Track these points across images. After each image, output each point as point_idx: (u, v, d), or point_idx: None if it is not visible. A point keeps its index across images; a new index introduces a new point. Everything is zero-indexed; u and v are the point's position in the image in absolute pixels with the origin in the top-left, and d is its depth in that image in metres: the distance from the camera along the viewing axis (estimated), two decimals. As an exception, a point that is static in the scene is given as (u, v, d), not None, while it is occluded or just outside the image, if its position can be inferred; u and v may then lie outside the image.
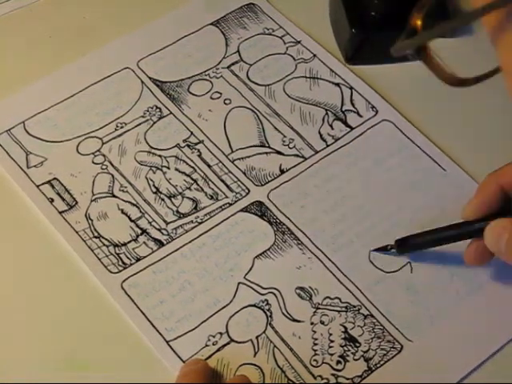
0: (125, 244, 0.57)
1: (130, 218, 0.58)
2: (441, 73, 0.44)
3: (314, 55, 0.68)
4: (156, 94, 0.65)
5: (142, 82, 0.65)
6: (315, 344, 0.53)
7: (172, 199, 0.59)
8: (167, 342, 0.53)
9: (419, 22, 0.44)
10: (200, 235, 0.58)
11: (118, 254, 0.56)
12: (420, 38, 0.44)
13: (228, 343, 0.53)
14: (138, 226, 0.58)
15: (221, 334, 0.54)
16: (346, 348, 0.53)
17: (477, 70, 0.45)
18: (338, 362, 0.53)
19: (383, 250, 0.57)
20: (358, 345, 0.54)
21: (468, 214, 0.53)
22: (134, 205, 0.59)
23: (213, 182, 0.60)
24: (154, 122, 0.63)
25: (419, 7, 0.44)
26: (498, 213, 0.52)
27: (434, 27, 0.41)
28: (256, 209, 0.59)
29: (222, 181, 0.61)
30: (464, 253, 0.54)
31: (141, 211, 0.59)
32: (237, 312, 0.55)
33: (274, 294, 0.55)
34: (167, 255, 0.57)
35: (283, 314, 0.55)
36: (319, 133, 0.64)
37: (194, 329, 0.54)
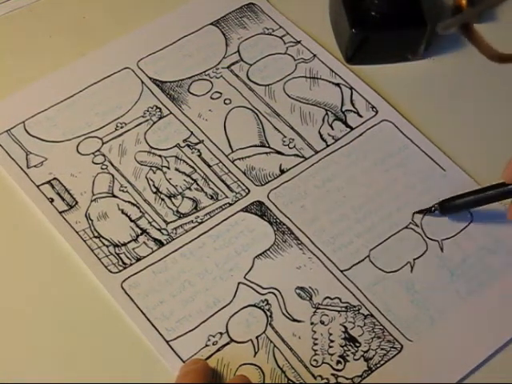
0: (125, 244, 0.57)
1: (130, 218, 0.58)
2: (485, 48, 0.45)
3: (314, 55, 0.68)
4: (156, 94, 0.65)
5: (142, 82, 0.65)
6: (315, 344, 0.53)
7: (172, 199, 0.59)
8: (167, 341, 0.53)
9: (464, 1, 0.45)
10: (200, 235, 0.58)
11: (118, 254, 0.56)
12: (465, 14, 0.44)
13: (228, 343, 0.53)
14: (138, 225, 0.58)
15: (221, 333, 0.54)
16: (346, 348, 0.53)
17: None
18: (338, 362, 0.53)
19: (428, 211, 0.58)
20: (358, 345, 0.54)
21: (509, 175, 0.53)
22: (134, 205, 0.59)
23: (213, 182, 0.60)
24: (154, 122, 0.63)
25: None
26: None
27: (477, 5, 0.42)
28: (256, 209, 0.59)
29: (222, 181, 0.61)
30: (507, 211, 0.55)
31: (141, 211, 0.59)
32: (237, 312, 0.55)
33: (274, 294, 0.55)
34: (167, 255, 0.57)
35: (283, 314, 0.55)
36: (319, 133, 0.64)
37: (194, 329, 0.54)
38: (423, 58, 0.68)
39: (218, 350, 0.53)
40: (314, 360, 0.53)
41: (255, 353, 0.53)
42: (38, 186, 0.59)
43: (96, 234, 0.57)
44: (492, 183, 0.56)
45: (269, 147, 0.63)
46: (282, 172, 0.61)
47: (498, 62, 0.45)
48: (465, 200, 0.57)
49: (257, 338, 0.54)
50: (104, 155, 0.61)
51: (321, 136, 0.63)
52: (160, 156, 0.62)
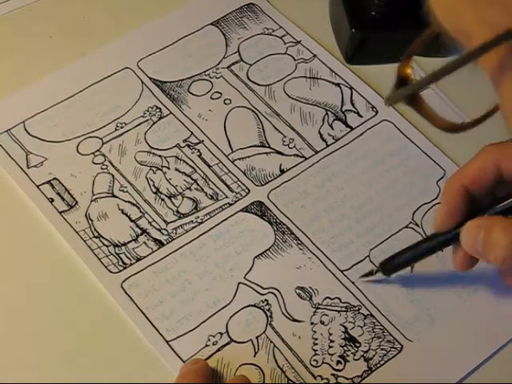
0: (125, 244, 0.57)
1: (130, 218, 0.58)
2: (435, 120, 0.44)
3: (314, 55, 0.68)
4: (156, 94, 0.65)
5: (142, 82, 0.65)
6: (315, 344, 0.53)
7: (172, 199, 0.59)
8: (167, 341, 0.53)
9: (409, 71, 0.44)
10: (200, 235, 0.58)
11: (118, 254, 0.56)
12: (411, 87, 0.43)
13: (228, 343, 0.53)
14: (138, 225, 0.58)
15: (221, 333, 0.54)
16: (346, 348, 0.53)
17: (471, 87, 0.45)
18: (338, 362, 0.53)
19: (369, 275, 0.56)
20: (358, 345, 0.54)
21: (440, 226, 0.51)
22: (134, 205, 0.59)
23: (213, 182, 0.60)
24: (154, 122, 0.63)
25: (407, 55, 0.44)
26: (470, 214, 0.50)
27: (425, 76, 0.41)
28: (256, 209, 0.59)
29: (222, 181, 0.61)
30: (452, 262, 0.53)
31: (141, 211, 0.59)
32: (237, 312, 0.55)
33: (274, 294, 0.55)
34: (167, 255, 0.57)
35: (283, 314, 0.55)
36: (319, 133, 0.64)
37: (194, 329, 0.54)
38: (423, 57, 0.68)
39: (218, 349, 0.53)
40: (314, 360, 0.53)
41: (255, 353, 0.53)
42: (37, 186, 0.59)
43: (96, 234, 0.57)
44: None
45: (269, 147, 0.63)
46: (282, 172, 0.61)
47: (452, 133, 0.45)
48: (404, 257, 0.54)
49: (257, 338, 0.54)
50: (104, 155, 0.61)
51: (321, 136, 0.63)
52: (160, 156, 0.62)
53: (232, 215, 0.59)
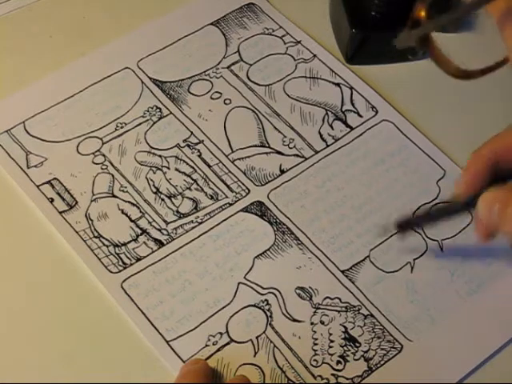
0: (125, 244, 0.57)
1: (130, 218, 0.58)
2: (446, 65, 0.43)
3: (314, 55, 0.68)
4: (156, 94, 0.65)
5: (142, 82, 0.65)
6: (315, 344, 0.53)
7: (172, 199, 0.59)
8: (167, 341, 0.53)
9: (423, 13, 0.43)
10: (200, 235, 0.58)
11: (118, 254, 0.56)
12: (424, 28, 0.43)
13: (228, 343, 0.53)
14: (138, 225, 0.58)
15: (221, 334, 0.54)
16: (346, 348, 0.53)
17: (481, 65, 0.44)
18: (338, 362, 0.53)
19: (386, 232, 0.57)
20: (358, 345, 0.54)
21: (460, 190, 0.51)
22: (134, 205, 0.59)
23: (213, 182, 0.60)
24: (154, 122, 0.63)
25: None
26: (491, 185, 0.50)
27: (438, 18, 0.41)
28: (256, 209, 0.59)
29: (222, 181, 0.61)
30: (475, 233, 0.53)
31: (141, 211, 0.59)
32: (237, 312, 0.55)
33: (274, 294, 0.55)
34: (167, 255, 0.57)
35: (283, 314, 0.55)
36: (319, 133, 0.64)
37: (194, 329, 0.54)
38: (423, 58, 0.68)
39: (218, 349, 0.53)
40: (314, 360, 0.53)
41: (255, 353, 0.53)
42: (37, 186, 0.59)
43: (96, 234, 0.57)
44: None
45: (269, 147, 0.63)
46: (282, 172, 0.61)
47: (461, 79, 0.44)
48: (421, 218, 0.56)
49: (257, 338, 0.54)
50: (104, 155, 0.61)
51: (321, 136, 0.63)
52: (160, 156, 0.62)
53: (232, 215, 0.59)
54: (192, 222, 0.58)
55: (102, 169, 0.61)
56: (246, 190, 0.60)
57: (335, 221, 0.59)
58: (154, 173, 0.61)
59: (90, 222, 0.58)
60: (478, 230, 0.52)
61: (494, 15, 0.39)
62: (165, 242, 0.57)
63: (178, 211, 0.59)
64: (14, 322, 0.54)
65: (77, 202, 0.59)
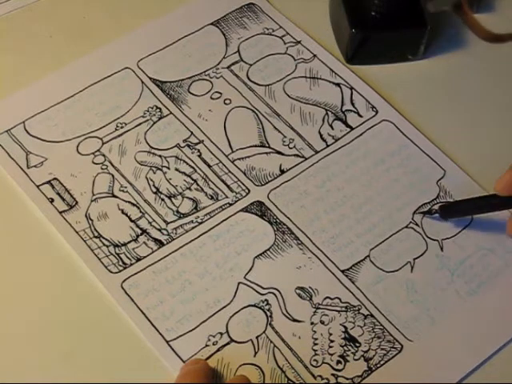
0: (125, 244, 0.57)
1: (130, 218, 0.58)
2: (477, 28, 0.44)
3: (314, 55, 0.68)
4: (156, 94, 0.65)
5: (142, 82, 0.66)
6: (315, 344, 0.53)
7: (172, 199, 0.59)
8: (167, 341, 0.53)
9: None
10: (200, 235, 0.58)
11: (118, 254, 0.56)
12: None
13: (228, 343, 0.53)
14: (138, 226, 0.58)
15: (221, 334, 0.54)
16: (346, 348, 0.53)
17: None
18: (338, 362, 0.53)
19: (428, 213, 0.58)
20: (358, 345, 0.54)
21: (499, 188, 0.53)
22: (134, 205, 0.59)
23: (213, 182, 0.60)
24: (154, 122, 0.63)
25: None
26: None
27: None
28: (256, 209, 0.59)
29: (222, 181, 0.61)
30: (507, 226, 0.55)
31: (141, 211, 0.59)
32: (237, 312, 0.55)
33: (274, 294, 0.55)
34: (167, 255, 0.57)
35: (283, 314, 0.55)
36: (319, 133, 0.64)
37: (194, 329, 0.54)
38: (423, 58, 0.68)
39: (218, 349, 0.53)
40: (314, 360, 0.53)
41: (255, 353, 0.53)
42: (38, 186, 0.59)
43: (96, 234, 0.57)
44: (491, 190, 0.56)
45: (269, 147, 0.63)
46: (282, 172, 0.61)
47: (492, 42, 0.45)
48: (465, 206, 0.58)
49: (257, 338, 0.54)
50: (104, 155, 0.61)
51: (321, 136, 0.63)
52: (160, 156, 0.62)
53: (232, 215, 0.59)
54: (192, 221, 0.58)
55: (102, 169, 0.61)
56: (246, 190, 0.60)
57: (335, 221, 0.59)
58: (154, 173, 0.61)
59: (90, 222, 0.58)
60: (509, 227, 0.52)
61: None
62: (165, 242, 0.57)
63: (177, 211, 0.59)
64: (14, 322, 0.54)
65: (77, 202, 0.59)
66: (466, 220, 0.59)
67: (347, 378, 0.52)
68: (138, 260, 0.56)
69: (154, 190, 0.60)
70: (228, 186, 0.60)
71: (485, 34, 0.44)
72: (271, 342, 0.53)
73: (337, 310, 0.55)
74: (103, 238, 0.57)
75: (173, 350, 0.53)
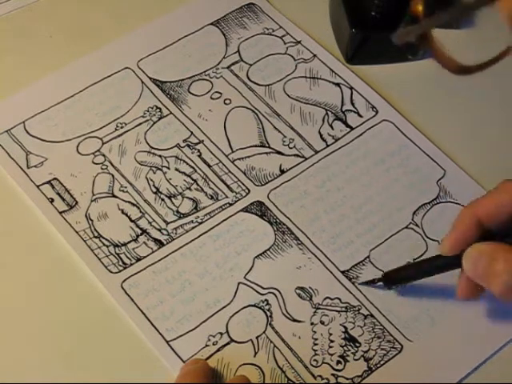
0: (125, 244, 0.57)
1: (130, 218, 0.58)
2: (444, 60, 0.43)
3: (314, 55, 0.68)
4: (156, 94, 0.65)
5: (142, 82, 0.65)
6: (315, 344, 0.53)
7: (172, 199, 0.59)
8: (167, 341, 0.53)
9: (420, 8, 0.43)
10: (200, 235, 0.58)
11: (118, 254, 0.56)
12: (423, 25, 0.42)
13: (228, 343, 0.53)
14: (138, 226, 0.58)
15: (221, 334, 0.54)
16: (346, 348, 0.53)
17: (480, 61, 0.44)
18: (338, 362, 0.53)
19: (371, 283, 0.55)
20: (358, 345, 0.54)
21: (446, 249, 0.51)
22: (134, 205, 0.59)
23: (213, 182, 0.60)
24: (154, 122, 0.63)
25: None
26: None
27: (437, 14, 0.40)
28: (256, 209, 0.59)
29: (222, 181, 0.61)
30: (456, 290, 0.53)
31: (141, 211, 0.59)
32: (237, 312, 0.55)
33: (274, 294, 0.55)
34: (167, 255, 0.57)
35: (283, 314, 0.55)
36: (319, 133, 0.64)
37: (194, 329, 0.54)
38: (423, 57, 0.68)
39: (218, 349, 0.53)
40: (314, 360, 0.53)
41: (255, 353, 0.53)
42: (38, 186, 0.59)
43: (96, 234, 0.57)
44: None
45: (269, 147, 0.63)
46: (282, 172, 0.61)
47: (459, 74, 0.44)
48: (407, 273, 0.55)
49: (257, 338, 0.54)
50: (104, 155, 0.61)
51: (321, 136, 0.63)
52: (160, 156, 0.62)
53: (232, 215, 0.59)
54: (192, 221, 0.58)
55: (102, 169, 0.61)
56: (246, 190, 0.60)
57: (335, 221, 0.59)
58: (154, 173, 0.61)
59: (90, 222, 0.58)
60: (460, 286, 0.51)
61: (502, 12, 0.39)
62: (165, 242, 0.57)
63: (177, 211, 0.59)
64: (14, 322, 0.54)
65: (77, 202, 0.59)
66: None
67: (347, 378, 0.52)
68: (138, 260, 0.56)
69: (154, 190, 0.60)
70: (228, 186, 0.60)
71: (452, 66, 0.44)
72: (271, 342, 0.53)
73: (337, 310, 0.55)
74: (103, 238, 0.57)
75: (173, 350, 0.53)
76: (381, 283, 0.55)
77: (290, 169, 0.61)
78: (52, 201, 0.59)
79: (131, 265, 0.56)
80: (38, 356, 0.52)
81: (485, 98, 0.67)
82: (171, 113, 0.64)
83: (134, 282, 0.55)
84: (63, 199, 0.59)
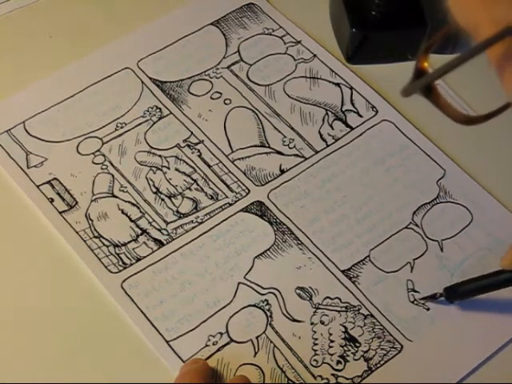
0: (125, 244, 0.57)
1: (130, 218, 0.58)
2: (449, 111, 0.45)
3: (314, 55, 0.68)
4: (156, 94, 0.65)
5: (142, 82, 0.65)
6: (315, 344, 0.53)
7: (172, 199, 0.59)
8: (167, 341, 0.53)
9: (426, 65, 0.45)
10: (200, 235, 0.58)
11: (118, 254, 0.56)
12: (427, 78, 0.44)
13: (228, 343, 0.53)
14: (138, 226, 0.58)
15: (221, 333, 0.54)
16: (346, 348, 0.53)
17: (479, 84, 0.45)
18: (338, 362, 0.53)
19: (432, 297, 0.55)
20: (358, 345, 0.54)
21: (506, 264, 0.51)
22: (134, 205, 0.59)
23: (213, 182, 0.60)
24: (154, 122, 0.63)
25: (425, 50, 0.45)
26: None
27: (439, 67, 0.42)
28: (256, 209, 0.59)
29: (222, 181, 0.61)
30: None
31: (141, 211, 0.59)
32: (237, 312, 0.55)
33: (274, 294, 0.55)
34: (167, 255, 0.57)
35: (283, 314, 0.55)
36: (319, 133, 0.64)
37: (194, 329, 0.54)
38: (423, 58, 0.68)
39: (218, 349, 0.53)
40: (314, 360, 0.53)
41: (255, 353, 0.53)
42: (38, 186, 0.59)
43: (96, 234, 0.57)
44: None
45: (269, 147, 0.63)
46: (282, 172, 0.61)
47: (464, 125, 0.45)
48: (470, 287, 0.55)
49: (257, 338, 0.54)
50: (104, 155, 0.61)
51: (321, 136, 0.63)
52: (160, 156, 0.62)
53: (232, 215, 0.59)
54: (192, 221, 0.58)
55: (102, 169, 0.61)
56: (246, 190, 0.60)
57: (335, 221, 0.59)
58: (154, 173, 0.61)
59: (90, 222, 0.58)
60: None
61: (492, 61, 0.40)
62: (165, 242, 0.57)
63: (178, 211, 0.59)
64: (14, 322, 0.54)
65: (77, 202, 0.59)
66: (466, 220, 0.59)
67: (347, 378, 0.52)
68: (138, 260, 0.56)
69: (154, 190, 0.60)
70: (228, 186, 0.60)
71: (458, 116, 0.45)
72: (271, 342, 0.53)
73: (337, 310, 0.55)
74: (103, 238, 0.57)
75: (173, 350, 0.53)
76: (442, 298, 0.55)
77: (289, 169, 0.61)
78: (52, 201, 0.59)
79: (131, 265, 0.56)
80: (37, 356, 0.52)
81: (485, 97, 0.67)
82: (171, 113, 0.64)
83: (133, 282, 0.55)
84: (63, 199, 0.59)
